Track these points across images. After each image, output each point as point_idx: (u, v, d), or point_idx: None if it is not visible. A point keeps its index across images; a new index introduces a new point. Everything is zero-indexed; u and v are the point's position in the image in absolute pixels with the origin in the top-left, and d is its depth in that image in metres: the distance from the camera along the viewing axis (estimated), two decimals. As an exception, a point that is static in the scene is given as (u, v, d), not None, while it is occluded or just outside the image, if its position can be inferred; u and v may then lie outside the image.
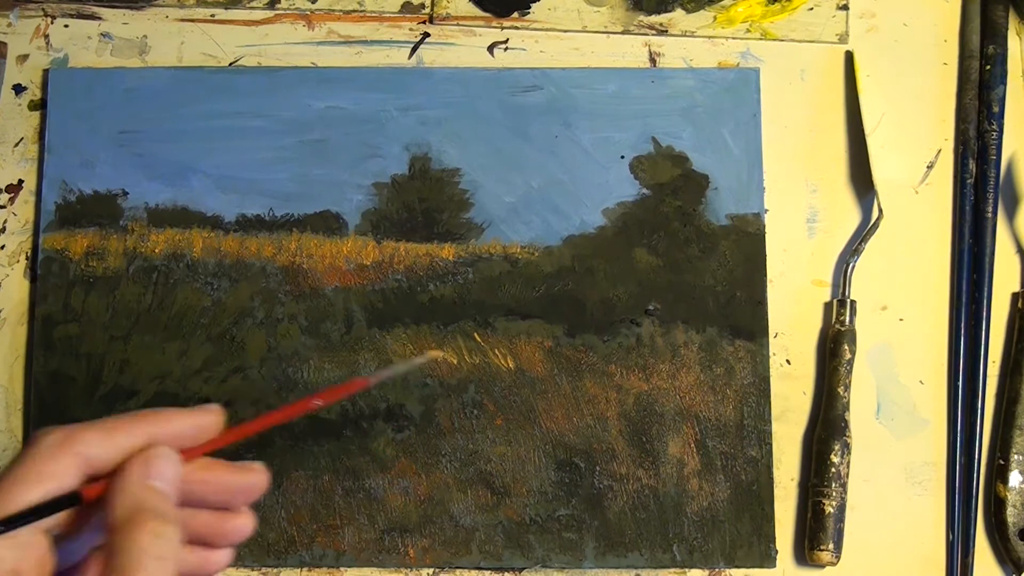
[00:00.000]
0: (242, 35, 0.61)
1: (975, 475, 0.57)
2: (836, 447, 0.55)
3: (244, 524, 0.36)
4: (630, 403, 0.57)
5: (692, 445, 0.57)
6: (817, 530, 0.55)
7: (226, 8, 0.61)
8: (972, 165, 0.59)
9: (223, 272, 0.58)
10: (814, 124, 0.60)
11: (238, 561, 0.56)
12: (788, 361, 0.58)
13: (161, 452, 0.34)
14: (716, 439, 0.57)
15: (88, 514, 0.33)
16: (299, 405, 0.38)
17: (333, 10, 0.61)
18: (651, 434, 0.57)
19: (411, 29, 0.61)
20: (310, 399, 0.38)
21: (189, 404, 0.56)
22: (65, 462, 0.32)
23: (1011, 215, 0.60)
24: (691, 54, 0.61)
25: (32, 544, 0.32)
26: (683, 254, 0.59)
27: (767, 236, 0.59)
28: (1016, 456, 0.57)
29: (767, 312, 0.58)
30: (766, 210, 0.59)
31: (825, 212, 0.60)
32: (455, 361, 0.56)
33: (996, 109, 0.59)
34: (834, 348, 0.57)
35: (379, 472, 0.56)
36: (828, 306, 0.59)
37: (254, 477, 0.36)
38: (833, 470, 0.55)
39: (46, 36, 0.61)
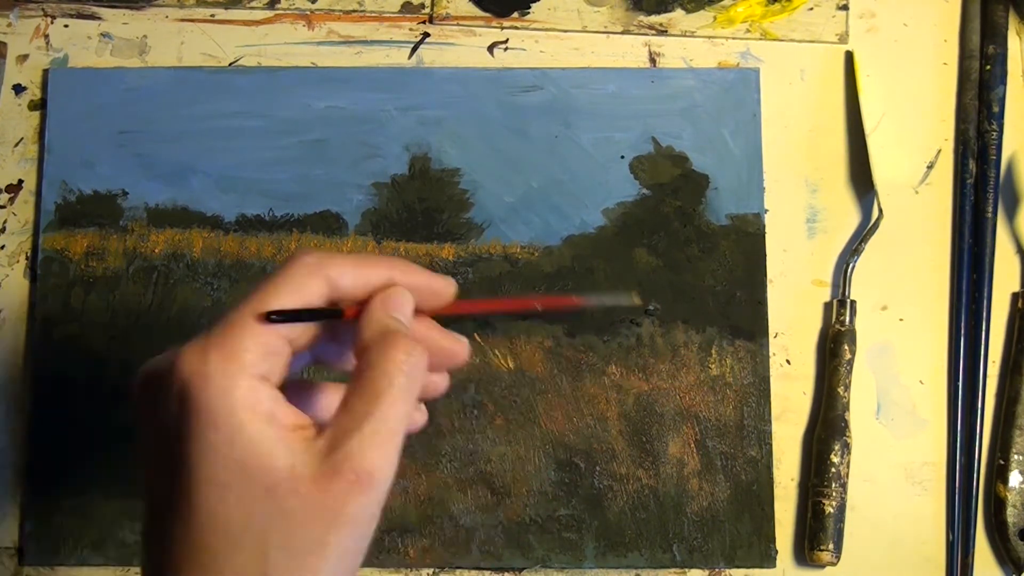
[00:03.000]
0: (242, 35, 0.61)
1: (975, 475, 0.57)
2: (836, 447, 0.55)
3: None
4: (630, 403, 0.57)
5: (692, 445, 0.57)
6: (817, 530, 0.55)
7: (226, 8, 0.61)
8: (972, 165, 0.59)
9: (223, 272, 0.58)
10: (814, 124, 0.60)
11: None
12: (788, 361, 0.58)
13: (402, 291, 0.37)
14: (716, 439, 0.57)
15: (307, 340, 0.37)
16: (522, 302, 0.44)
17: (333, 10, 0.61)
18: (651, 434, 0.57)
19: (411, 29, 0.61)
20: (532, 300, 0.44)
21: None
22: (317, 283, 0.35)
23: (1011, 215, 0.60)
24: (691, 54, 0.61)
25: (281, 351, 0.35)
26: (683, 254, 0.59)
27: (767, 236, 0.59)
28: (1016, 456, 0.57)
29: (767, 312, 0.58)
30: (766, 210, 0.59)
31: (825, 212, 0.60)
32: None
33: (996, 109, 0.59)
34: (834, 348, 0.57)
35: (379, 472, 0.56)
36: (828, 306, 0.59)
37: (461, 346, 0.39)
38: (833, 470, 0.55)
39: (46, 36, 0.61)
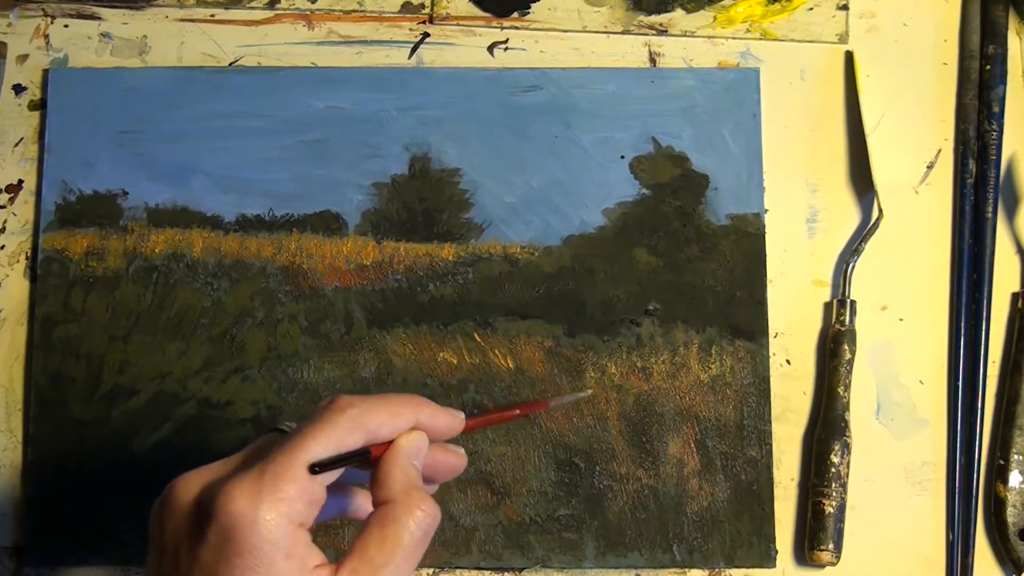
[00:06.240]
0: (242, 35, 0.61)
1: (975, 475, 0.57)
2: (836, 447, 0.55)
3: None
4: (630, 403, 0.57)
5: (692, 445, 0.57)
6: (817, 530, 0.55)
7: (226, 8, 0.61)
8: (972, 165, 0.59)
9: (223, 272, 0.58)
10: (814, 124, 0.60)
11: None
12: (788, 361, 0.58)
13: (421, 436, 0.41)
14: (716, 439, 0.57)
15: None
16: (505, 413, 0.47)
17: (333, 10, 0.61)
18: (651, 434, 0.57)
19: (411, 29, 0.61)
20: (512, 411, 0.48)
21: (189, 404, 0.57)
22: (358, 436, 0.38)
23: (1011, 215, 0.60)
24: (691, 54, 0.61)
25: (320, 499, 0.37)
26: (683, 254, 0.59)
27: (767, 236, 0.59)
28: (1016, 456, 0.57)
29: (767, 312, 0.58)
30: (766, 210, 0.59)
31: (825, 212, 0.60)
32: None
33: (996, 109, 0.59)
34: (834, 348, 0.57)
35: (379, 472, 0.56)
36: (828, 306, 0.59)
37: (460, 460, 0.43)
38: (833, 470, 0.55)
39: (46, 36, 0.61)
